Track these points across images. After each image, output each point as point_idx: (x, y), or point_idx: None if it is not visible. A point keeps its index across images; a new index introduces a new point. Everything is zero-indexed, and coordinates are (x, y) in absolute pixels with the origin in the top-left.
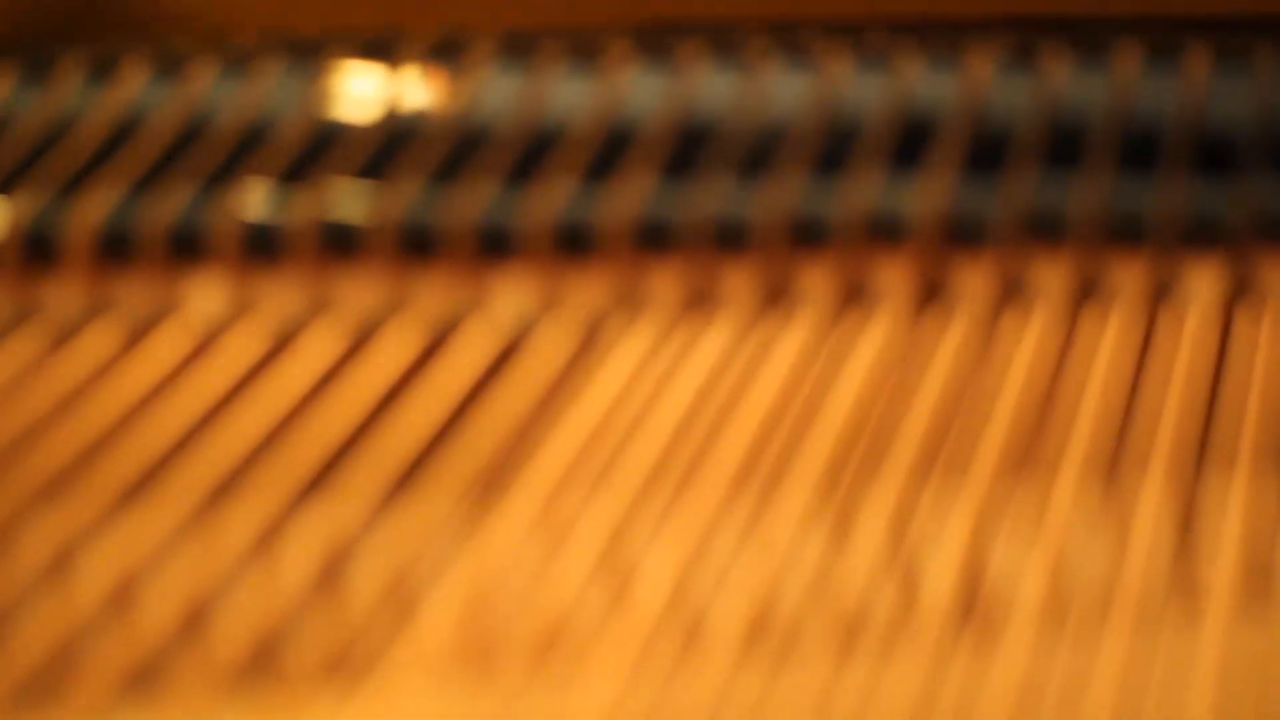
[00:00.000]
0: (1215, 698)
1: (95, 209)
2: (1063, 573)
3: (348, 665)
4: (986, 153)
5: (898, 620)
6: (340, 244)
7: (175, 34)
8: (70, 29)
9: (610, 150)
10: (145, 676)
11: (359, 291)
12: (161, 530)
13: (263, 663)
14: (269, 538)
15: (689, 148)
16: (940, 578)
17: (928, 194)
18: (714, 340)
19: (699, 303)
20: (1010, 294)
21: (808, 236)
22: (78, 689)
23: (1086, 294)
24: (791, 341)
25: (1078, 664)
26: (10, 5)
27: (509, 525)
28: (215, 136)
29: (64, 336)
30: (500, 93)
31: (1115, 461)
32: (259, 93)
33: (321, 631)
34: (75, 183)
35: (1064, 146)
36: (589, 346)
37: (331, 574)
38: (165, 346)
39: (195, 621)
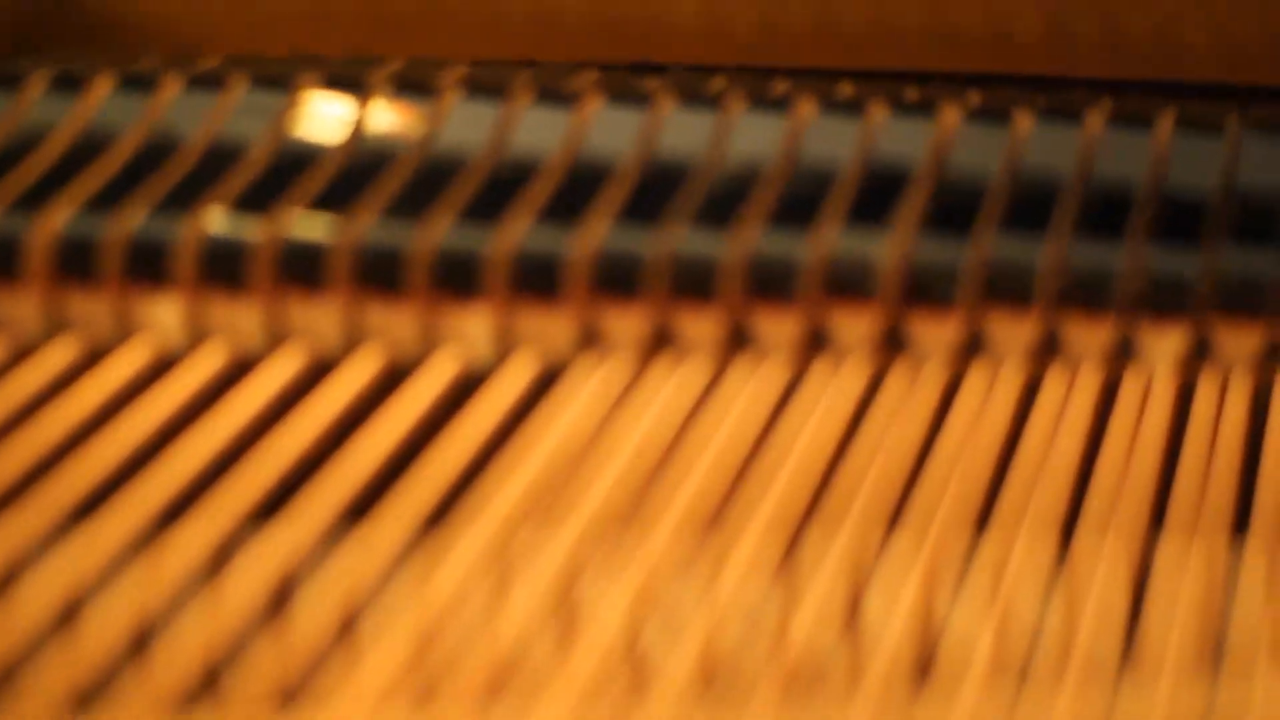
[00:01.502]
0: None
1: (56, 225)
2: (1014, 630)
3: (293, 693)
4: (952, 208)
5: (847, 671)
6: (301, 271)
7: (142, 52)
8: (36, 44)
9: (575, 188)
10: (89, 697)
11: (319, 319)
12: (111, 549)
13: (208, 687)
14: (219, 561)
15: (655, 188)
16: (891, 630)
17: (892, 246)
18: (673, 383)
19: (659, 345)
20: (972, 349)
21: (771, 283)
22: (20, 708)
23: (1048, 353)
24: (751, 387)
25: None
26: None
27: (461, 559)
28: (179, 157)
29: (21, 351)
30: (467, 125)
31: (1070, 520)
32: (225, 115)
33: (268, 658)
34: (36, 198)
35: (1029, 204)
36: (548, 383)
37: (280, 601)
38: (123, 365)
39: (142, 643)
